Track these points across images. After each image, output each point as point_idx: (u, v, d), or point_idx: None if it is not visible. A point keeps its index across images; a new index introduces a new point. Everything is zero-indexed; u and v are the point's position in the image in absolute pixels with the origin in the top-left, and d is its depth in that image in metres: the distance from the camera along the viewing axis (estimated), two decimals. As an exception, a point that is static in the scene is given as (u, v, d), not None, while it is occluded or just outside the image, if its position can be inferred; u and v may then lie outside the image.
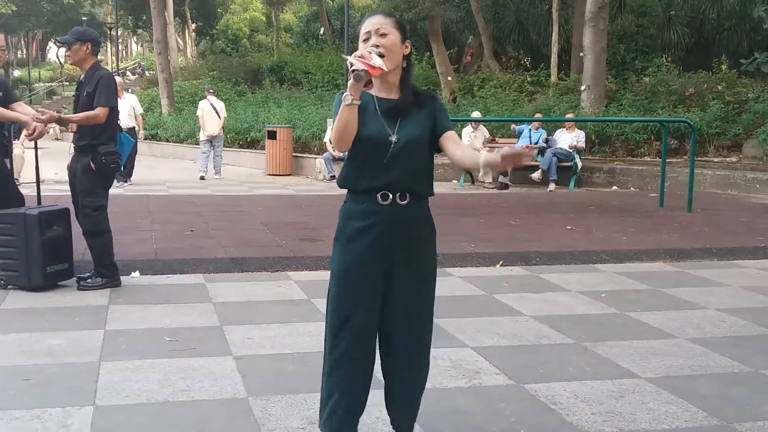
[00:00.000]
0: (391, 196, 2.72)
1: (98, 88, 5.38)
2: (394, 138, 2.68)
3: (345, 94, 2.57)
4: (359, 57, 2.56)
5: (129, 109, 13.29)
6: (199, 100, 24.10)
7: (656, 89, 17.04)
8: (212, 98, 15.74)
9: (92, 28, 6.14)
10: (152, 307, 5.06)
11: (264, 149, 16.75)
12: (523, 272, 6.45)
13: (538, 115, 14.87)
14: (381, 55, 2.61)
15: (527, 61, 24.72)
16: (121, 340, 4.33)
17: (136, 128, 13.82)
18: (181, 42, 44.11)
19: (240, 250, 6.77)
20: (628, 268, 6.65)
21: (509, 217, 9.19)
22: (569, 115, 14.39)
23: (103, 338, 4.35)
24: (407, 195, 2.74)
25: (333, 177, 14.63)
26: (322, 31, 32.11)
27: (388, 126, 2.71)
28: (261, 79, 27.40)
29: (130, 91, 13.55)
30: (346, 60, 2.62)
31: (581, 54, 18.01)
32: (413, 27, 21.89)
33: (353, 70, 2.52)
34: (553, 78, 19.72)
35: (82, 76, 5.54)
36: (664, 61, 19.00)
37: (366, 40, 2.69)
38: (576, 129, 13.91)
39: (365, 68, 2.53)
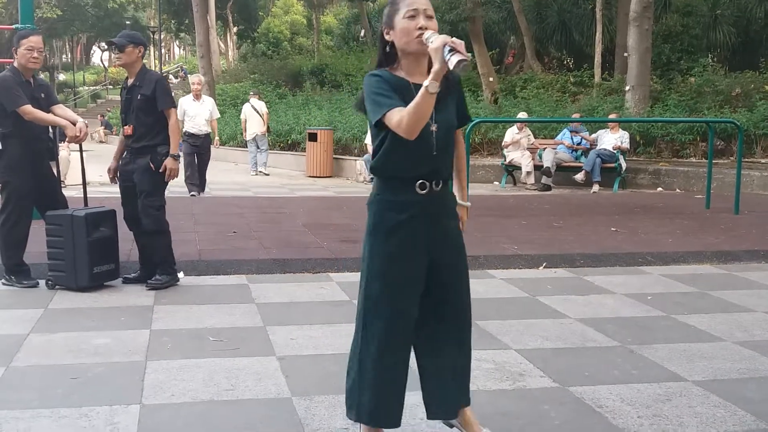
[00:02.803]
0: (428, 185, 2.69)
1: (159, 91, 5.56)
2: (434, 127, 2.65)
3: (431, 80, 2.41)
4: (451, 43, 2.42)
5: (208, 114, 12.01)
6: (241, 103, 24.53)
7: (702, 89, 16.75)
8: (254, 100, 16.73)
9: (136, 32, 6.28)
10: (196, 308, 5.12)
11: (305, 151, 16.87)
12: (566, 274, 6.40)
13: (575, 116, 14.71)
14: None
15: (570, 61, 24.49)
16: (166, 339, 4.40)
17: (212, 134, 12.64)
18: (222, 45, 44.64)
19: (282, 252, 6.82)
20: (674, 270, 6.56)
21: (552, 218, 9.12)
22: (613, 116, 14.20)
23: (148, 338, 4.42)
24: (441, 181, 2.73)
25: (373, 178, 14.66)
26: (362, 33, 32.20)
27: None
28: (302, 81, 27.59)
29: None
30: (428, 40, 2.48)
31: (625, 54, 17.78)
32: (454, 28, 21.80)
33: (460, 61, 2.37)
34: (597, 78, 19.50)
35: (133, 79, 5.65)
36: (710, 61, 18.67)
37: (412, 17, 2.58)
38: (620, 130, 13.74)
39: (467, 58, 2.39)
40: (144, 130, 5.57)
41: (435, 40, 2.46)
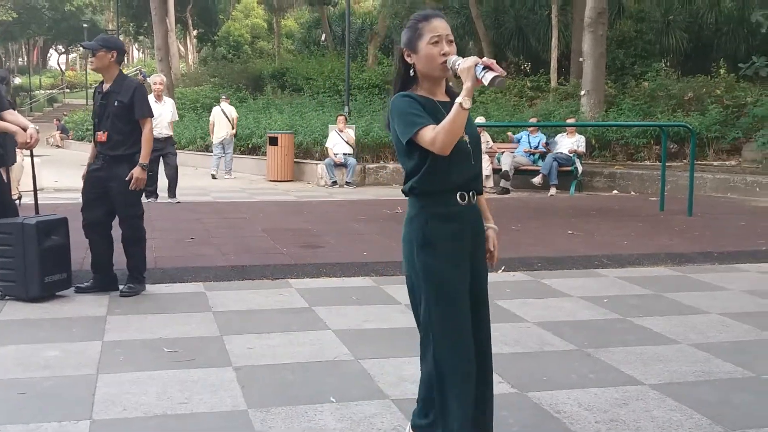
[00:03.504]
0: (466, 195, 2.74)
1: (137, 99, 5.46)
2: (466, 138, 2.71)
3: (465, 97, 2.50)
4: (487, 62, 2.51)
5: (170, 115, 11.39)
6: (201, 107, 24.25)
7: (655, 94, 17.01)
8: (224, 104, 17.07)
9: (112, 36, 6.14)
10: (151, 317, 4.99)
11: (265, 155, 16.72)
12: (525, 278, 6.39)
13: (533, 120, 14.81)
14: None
15: (527, 66, 24.69)
16: (119, 351, 4.27)
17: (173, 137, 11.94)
18: (182, 48, 44.13)
19: (241, 258, 6.70)
20: (629, 272, 6.59)
21: (510, 222, 9.12)
22: (570, 120, 14.34)
23: (100, 350, 4.28)
24: (474, 193, 2.79)
25: (334, 182, 14.60)
26: (323, 38, 32.09)
27: None
28: (262, 85, 27.38)
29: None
30: (455, 64, 2.57)
31: (581, 59, 17.97)
32: (413, 33, 21.88)
33: (496, 77, 2.46)
34: (553, 83, 19.70)
35: (109, 84, 5.51)
36: (663, 65, 18.96)
37: (435, 43, 2.64)
38: (576, 134, 13.86)
39: (500, 76, 2.49)
40: (120, 138, 5.45)
41: (463, 62, 2.55)
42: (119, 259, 5.70)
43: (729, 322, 4.96)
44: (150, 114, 5.59)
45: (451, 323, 2.68)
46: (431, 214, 2.70)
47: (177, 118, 12.12)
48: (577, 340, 4.57)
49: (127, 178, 5.43)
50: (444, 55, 2.63)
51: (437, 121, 2.58)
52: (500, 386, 3.76)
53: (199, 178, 15.45)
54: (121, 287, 5.62)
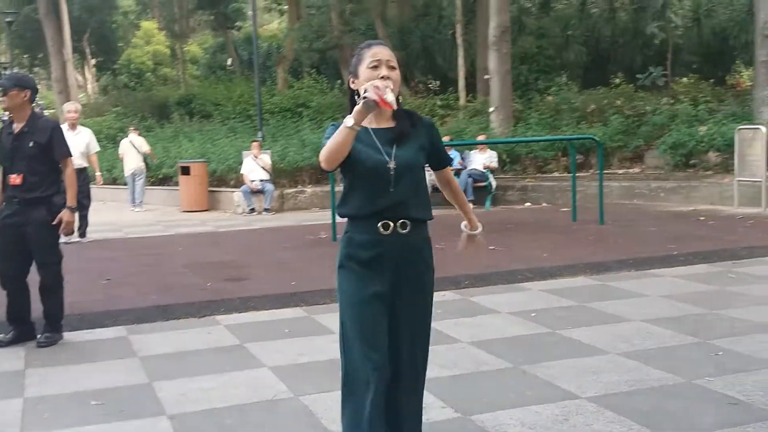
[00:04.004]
0: (392, 225, 2.72)
1: (54, 140, 5.25)
2: (392, 164, 2.70)
3: (347, 117, 2.58)
4: (375, 87, 2.54)
5: (84, 145, 10.39)
6: (105, 137, 23.54)
7: (560, 107, 17.54)
8: (133, 136, 16.72)
9: (25, 74, 5.88)
10: (73, 368, 4.77)
11: (177, 185, 16.35)
12: (454, 296, 6.43)
13: (446, 138, 14.99)
14: (392, 88, 2.64)
15: (436, 85, 25.06)
16: (43, 408, 4.05)
17: (90, 170, 10.86)
18: (81, 78, 42.85)
19: (163, 297, 6.51)
20: (551, 284, 6.71)
21: (433, 240, 9.16)
22: (481, 137, 14.63)
23: (22, 407, 4.06)
24: (407, 223, 2.74)
25: (252, 210, 14.40)
26: (229, 62, 31.72)
27: (384, 153, 2.72)
28: (169, 113, 26.79)
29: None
30: (363, 90, 2.61)
31: (486, 77, 18.38)
32: (323, 56, 21.90)
33: (365, 97, 2.52)
34: (462, 101, 20.06)
35: (21, 124, 5.26)
36: (564, 79, 19.57)
37: (375, 68, 2.70)
38: (488, 150, 14.14)
39: (377, 99, 2.52)
40: (36, 180, 5.20)
41: (367, 85, 2.60)
42: (34, 305, 5.44)
43: (652, 328, 5.11)
44: (70, 153, 5.39)
45: (356, 347, 2.74)
46: (351, 239, 2.76)
47: (98, 149, 11.08)
48: (511, 357, 4.62)
49: (54, 222, 5.20)
50: (383, 78, 2.65)
51: (364, 146, 2.67)
52: (444, 411, 3.76)
53: (109, 213, 14.95)
54: (37, 337, 5.35)
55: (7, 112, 5.38)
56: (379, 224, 2.70)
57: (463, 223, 3.12)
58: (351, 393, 2.77)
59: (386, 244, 2.71)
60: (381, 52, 2.73)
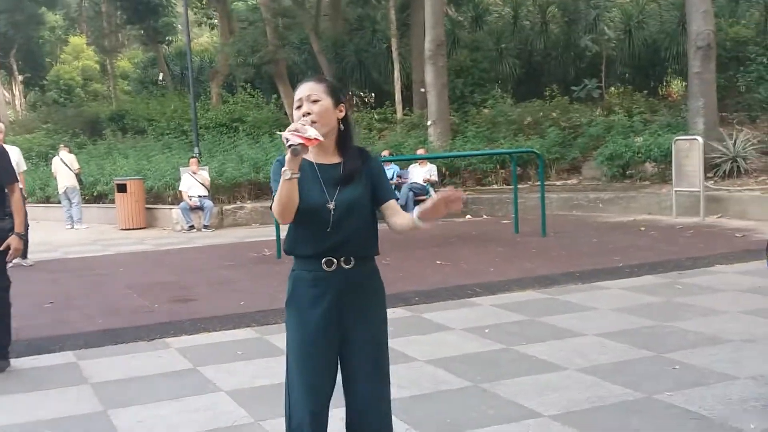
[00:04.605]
0: (335, 261, 2.70)
1: (1, 165, 5.15)
2: (331, 205, 2.68)
3: (284, 169, 2.54)
4: (293, 131, 2.53)
5: (13, 164, 10.54)
6: (36, 155, 22.88)
7: (496, 120, 17.79)
8: (63, 153, 16.36)
9: None
10: (23, 397, 4.60)
11: (113, 203, 15.97)
12: (405, 313, 6.43)
13: (385, 153, 15.05)
14: (314, 121, 2.62)
15: (371, 98, 25.14)
16: (-5, 440, 3.90)
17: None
18: (8, 95, 41.56)
19: (110, 320, 6.34)
20: (501, 299, 6.77)
21: (379, 256, 9.15)
22: (420, 151, 14.72)
23: (-27, 441, 3.90)
24: (351, 259, 2.72)
25: (192, 227, 14.16)
26: (161, 77, 31.17)
27: (327, 192, 2.70)
28: (101, 129, 26.20)
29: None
30: (281, 136, 2.59)
31: (422, 90, 18.53)
32: (258, 71, 21.72)
33: (290, 146, 2.50)
34: (399, 114, 20.17)
35: None
36: (498, 92, 19.87)
37: (299, 107, 2.70)
38: (428, 163, 14.24)
39: (301, 142, 2.50)
40: None
41: (286, 133, 2.55)
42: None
43: (606, 342, 5.20)
44: (17, 179, 5.26)
45: (298, 390, 2.74)
46: (296, 277, 2.76)
47: (24, 168, 10.91)
48: (470, 375, 4.64)
49: (2, 248, 5.04)
50: (305, 115, 2.64)
51: (307, 183, 2.65)
52: (410, 434, 3.75)
53: (43, 232, 14.48)
54: None
55: None
56: (323, 261, 2.69)
57: (418, 210, 2.67)
58: (290, 420, 2.79)
59: (331, 280, 2.70)
60: (302, 89, 2.71)
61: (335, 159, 2.74)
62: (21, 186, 10.08)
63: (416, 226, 2.67)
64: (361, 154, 2.79)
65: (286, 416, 2.80)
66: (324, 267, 2.69)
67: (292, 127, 2.56)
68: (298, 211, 2.66)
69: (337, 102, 2.73)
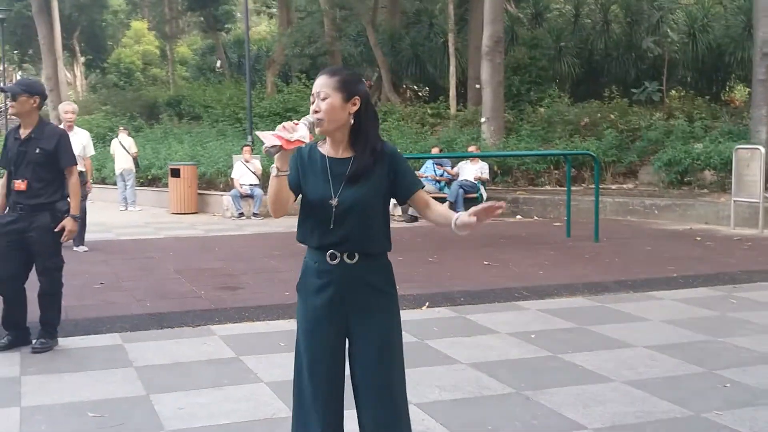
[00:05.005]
0: (338, 255, 2.71)
1: (61, 147, 5.23)
2: (334, 201, 2.68)
3: (273, 165, 2.59)
4: (281, 128, 2.54)
5: (80, 148, 9.37)
6: (95, 136, 23.38)
7: (552, 119, 17.52)
8: (122, 136, 16.73)
9: (35, 80, 5.84)
10: (69, 377, 4.68)
11: (166, 186, 16.21)
12: (450, 314, 6.37)
13: (435, 150, 14.81)
14: (321, 119, 2.63)
15: (425, 93, 25.03)
16: (40, 418, 3.96)
17: (85, 174, 9.66)
18: (69, 76, 42.52)
19: (157, 304, 6.41)
20: (550, 304, 6.67)
21: (426, 253, 9.12)
22: (472, 148, 14.56)
23: (20, 417, 3.97)
24: (356, 254, 2.71)
25: (241, 214, 14.29)
26: (219, 64, 31.57)
27: (333, 187, 2.69)
28: (158, 113, 26.63)
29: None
30: (258, 136, 2.63)
31: (477, 86, 18.36)
32: (314, 61, 21.79)
33: (265, 148, 2.51)
34: (453, 110, 20.01)
35: (29, 130, 5.21)
36: (556, 91, 19.57)
37: (313, 102, 2.69)
38: (480, 161, 14.10)
39: (277, 144, 2.50)
40: (41, 186, 5.16)
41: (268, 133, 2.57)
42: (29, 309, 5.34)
43: (656, 355, 5.07)
44: (75, 162, 5.36)
45: (304, 370, 2.77)
46: (306, 265, 2.79)
47: (93, 152, 10.37)
48: (514, 381, 4.57)
49: (57, 229, 5.14)
50: (316, 112, 2.65)
51: (314, 176, 2.70)
52: (450, 439, 3.70)
53: (98, 213, 14.76)
54: (33, 342, 5.26)
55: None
56: (327, 254, 2.71)
57: (460, 218, 2.67)
58: (300, 408, 2.81)
59: (334, 273, 2.71)
60: (316, 83, 2.70)
61: (347, 154, 2.72)
62: (88, 170, 10.35)
63: (453, 230, 2.67)
64: (376, 148, 2.72)
65: (297, 398, 2.81)
66: (328, 260, 2.71)
67: (285, 124, 2.56)
68: (305, 202, 2.72)
69: (349, 96, 2.67)
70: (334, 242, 2.69)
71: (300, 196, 2.74)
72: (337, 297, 2.72)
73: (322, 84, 2.68)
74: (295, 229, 2.82)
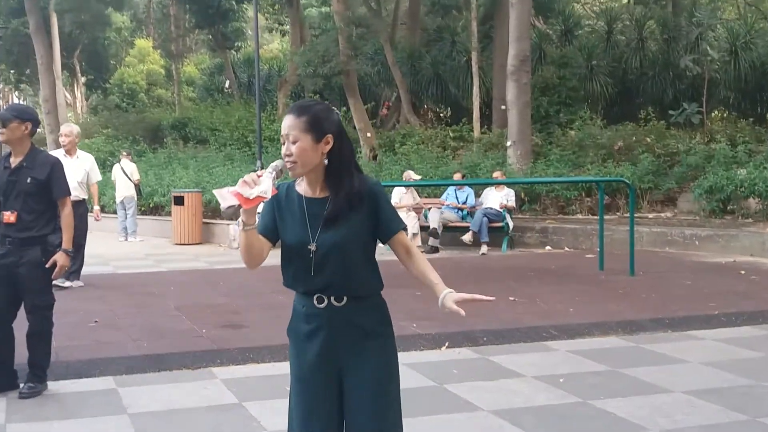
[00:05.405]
0: (325, 299, 2.73)
1: (54, 177, 5.26)
2: (312, 246, 2.70)
3: (240, 218, 2.63)
4: (243, 184, 2.52)
5: (82, 174, 9.37)
6: (109, 162, 23.60)
7: (583, 143, 17.48)
8: (125, 161, 16.92)
9: (26, 106, 5.90)
10: (58, 425, 4.67)
11: (169, 215, 16.31)
12: (471, 354, 6.31)
13: (457, 176, 14.81)
14: (294, 162, 2.66)
15: (447, 114, 25.09)
16: (25, 471, 3.94)
17: (89, 202, 10.02)
18: (69, 97, 43.09)
19: (155, 344, 6.40)
20: (580, 344, 6.60)
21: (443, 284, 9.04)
22: (497, 174, 14.53)
23: (2, 470, 3.95)
24: (344, 297, 2.74)
25: (248, 246, 14.31)
26: (227, 84, 31.87)
27: (310, 231, 2.71)
28: (162, 137, 26.90)
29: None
30: (216, 194, 2.60)
31: (503, 107, 18.36)
32: (328, 82, 21.94)
33: (221, 208, 2.54)
34: (476, 133, 20.02)
35: (20, 158, 5.24)
36: (587, 113, 19.52)
37: (283, 143, 2.73)
38: (505, 187, 14.06)
39: (234, 204, 2.50)
40: (32, 218, 5.18)
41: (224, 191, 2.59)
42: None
43: (695, 401, 4.98)
44: (69, 192, 5.39)
45: (295, 422, 2.82)
46: (295, 309, 2.84)
47: (99, 177, 10.03)
48: (540, 430, 4.49)
49: (48, 265, 5.15)
50: (287, 155, 2.68)
51: (292, 218, 2.73)
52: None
53: (95, 244, 14.84)
54: (20, 386, 5.25)
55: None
56: (314, 298, 2.74)
57: (446, 301, 2.83)
58: None
59: (322, 317, 2.75)
60: (284, 124, 2.71)
61: (324, 193, 2.75)
62: (95, 197, 10.30)
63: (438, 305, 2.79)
64: (353, 188, 2.72)
65: None
66: (315, 303, 2.74)
67: (246, 177, 2.55)
68: (283, 248, 2.77)
69: (320, 136, 2.68)
70: (319, 288, 2.73)
71: (279, 240, 2.78)
72: (328, 342, 2.75)
73: (290, 126, 2.69)
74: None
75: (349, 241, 2.71)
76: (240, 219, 2.62)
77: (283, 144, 2.70)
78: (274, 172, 2.61)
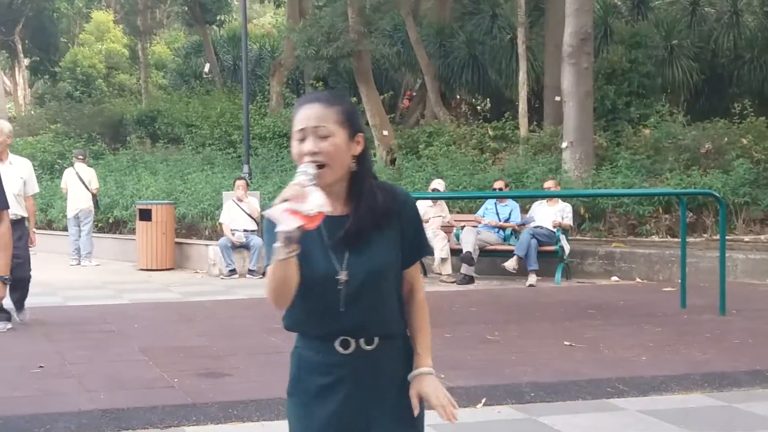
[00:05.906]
0: (353, 342, 2.70)
1: None
2: (343, 276, 2.66)
3: (277, 244, 2.47)
4: (291, 199, 2.44)
5: (19, 185, 9.35)
6: (41, 164, 23.81)
7: (661, 145, 17.47)
8: (80, 166, 16.90)
9: None
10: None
11: (134, 234, 16.44)
12: (515, 414, 6.34)
13: (498, 185, 14.68)
14: (323, 165, 2.58)
15: (486, 107, 25.13)
16: None
17: (27, 220, 9.84)
18: (8, 83, 43.58)
19: (114, 397, 6.47)
20: (655, 403, 6.61)
21: (483, 328, 9.10)
22: (550, 184, 14.52)
23: None
24: (375, 339, 2.72)
25: (233, 271, 14.42)
26: (207, 69, 32.12)
27: (335, 257, 2.67)
28: (125, 134, 27.20)
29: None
30: (264, 216, 2.54)
31: (557, 98, 18.39)
32: (334, 65, 22.04)
33: (282, 233, 2.44)
34: (523, 131, 20.05)
35: None
36: (666, 106, 19.51)
37: (302, 140, 2.65)
38: (560, 201, 14.09)
39: (299, 225, 2.42)
40: None
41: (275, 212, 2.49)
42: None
43: (804, 478, 4.97)
44: (7, 205, 5.38)
45: None
46: (304, 359, 2.77)
47: (36, 189, 10.16)
48: None
49: None
50: (313, 154, 2.60)
51: (312, 245, 2.62)
52: None
53: (40, 268, 14.98)
54: None
55: None
56: (337, 342, 2.70)
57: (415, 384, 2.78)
58: None
59: (347, 366, 2.71)
60: (305, 113, 2.66)
61: (347, 210, 2.70)
62: (31, 214, 10.16)
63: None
64: (377, 200, 2.70)
65: None
66: (339, 349, 2.70)
67: (289, 192, 2.47)
68: (302, 281, 2.62)
69: (354, 132, 2.68)
70: (346, 328, 2.69)
71: None
72: (352, 399, 2.71)
73: (319, 116, 2.64)
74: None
75: (384, 266, 2.70)
76: (277, 245, 2.48)
77: (301, 141, 2.64)
78: (308, 177, 2.52)
